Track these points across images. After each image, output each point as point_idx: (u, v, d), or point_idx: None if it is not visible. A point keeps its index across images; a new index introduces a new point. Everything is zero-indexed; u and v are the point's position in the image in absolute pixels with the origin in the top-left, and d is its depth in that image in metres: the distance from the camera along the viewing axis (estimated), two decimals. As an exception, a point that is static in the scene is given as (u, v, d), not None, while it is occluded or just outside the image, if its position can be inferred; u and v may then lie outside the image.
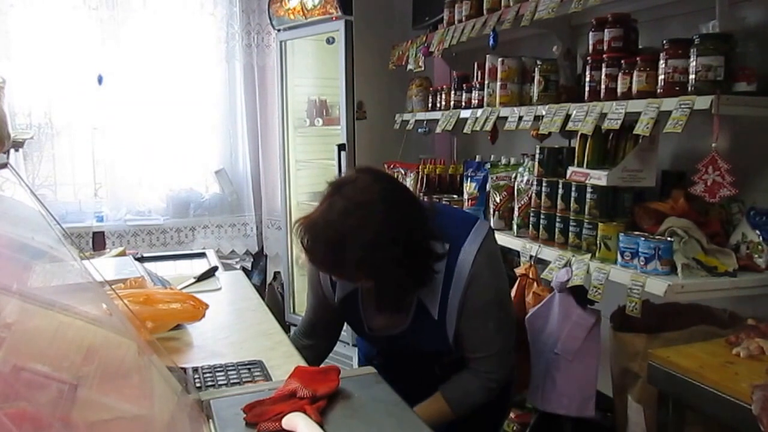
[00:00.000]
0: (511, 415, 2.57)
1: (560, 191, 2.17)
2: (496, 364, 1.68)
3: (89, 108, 3.89)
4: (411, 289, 1.58)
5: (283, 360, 1.55)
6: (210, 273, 2.37)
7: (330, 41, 3.67)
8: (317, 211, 1.47)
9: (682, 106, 1.71)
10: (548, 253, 2.21)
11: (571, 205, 2.11)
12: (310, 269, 1.81)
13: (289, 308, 4.19)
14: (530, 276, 2.27)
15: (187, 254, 2.96)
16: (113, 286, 1.60)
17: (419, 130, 3.35)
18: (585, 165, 2.09)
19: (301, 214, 1.55)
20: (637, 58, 1.93)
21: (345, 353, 3.57)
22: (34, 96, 3.80)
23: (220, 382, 1.37)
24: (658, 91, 1.85)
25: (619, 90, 1.99)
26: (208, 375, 1.41)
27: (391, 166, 3.31)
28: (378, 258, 1.43)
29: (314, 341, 1.85)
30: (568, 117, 2.13)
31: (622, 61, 1.99)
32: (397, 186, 1.58)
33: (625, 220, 1.99)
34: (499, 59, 2.57)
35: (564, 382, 2.09)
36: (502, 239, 2.51)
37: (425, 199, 1.83)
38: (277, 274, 4.41)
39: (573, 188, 2.11)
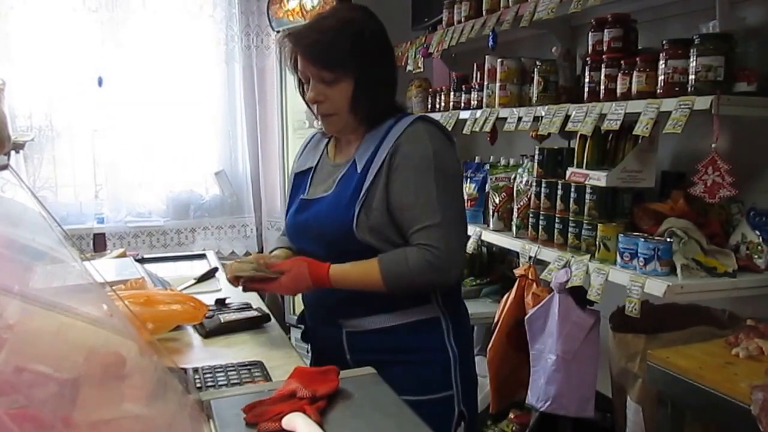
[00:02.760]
0: (511, 415, 2.57)
1: (559, 192, 2.18)
2: (437, 236, 1.46)
3: (89, 110, 3.89)
4: (381, 103, 1.56)
5: (283, 360, 1.55)
6: (210, 274, 2.38)
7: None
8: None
9: (682, 107, 1.71)
10: (547, 253, 2.21)
11: (571, 205, 2.11)
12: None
13: (289, 309, 4.19)
14: (529, 277, 2.28)
15: (188, 255, 2.96)
16: (114, 287, 1.60)
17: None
18: (584, 166, 2.10)
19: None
20: (637, 59, 1.93)
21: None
22: (34, 98, 3.80)
23: (220, 383, 1.37)
24: (658, 91, 1.85)
25: (618, 90, 1.99)
26: (208, 375, 1.41)
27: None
28: (367, 53, 1.51)
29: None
30: (567, 118, 2.13)
31: (622, 62, 1.99)
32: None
33: (624, 221, 1.99)
34: (499, 60, 2.57)
35: (563, 382, 2.09)
36: (502, 240, 2.52)
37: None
38: (276, 275, 4.40)
39: (572, 189, 2.11)
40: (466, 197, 2.74)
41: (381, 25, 1.58)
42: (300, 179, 1.72)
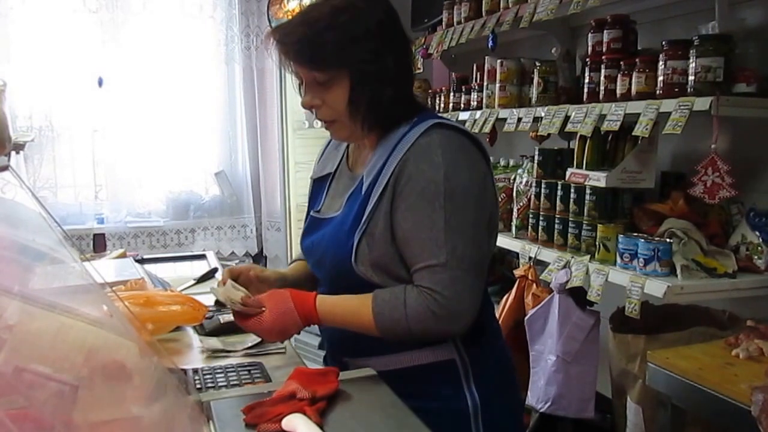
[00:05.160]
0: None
1: (559, 193, 2.18)
2: (442, 279, 1.23)
3: (89, 110, 3.90)
4: (386, 104, 1.31)
5: (283, 361, 1.55)
6: (210, 275, 2.37)
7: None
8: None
9: (682, 108, 1.71)
10: (547, 254, 2.21)
11: (570, 206, 2.12)
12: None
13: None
14: (529, 277, 2.28)
15: (187, 256, 2.96)
16: (114, 288, 1.60)
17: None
18: (584, 166, 2.10)
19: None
20: (637, 60, 1.93)
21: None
22: (34, 98, 3.81)
23: (220, 384, 1.37)
24: (658, 92, 1.85)
25: (618, 91, 1.99)
26: (208, 376, 1.41)
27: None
28: (364, 44, 1.27)
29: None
30: (567, 118, 2.13)
31: (621, 63, 1.99)
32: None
33: (624, 222, 1.99)
34: (498, 61, 2.57)
35: (563, 383, 2.09)
36: (502, 241, 2.51)
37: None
38: (276, 276, 4.40)
39: (572, 190, 2.11)
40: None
41: (386, 8, 1.34)
42: (318, 187, 1.51)
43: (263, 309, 1.30)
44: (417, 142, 1.27)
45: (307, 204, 1.55)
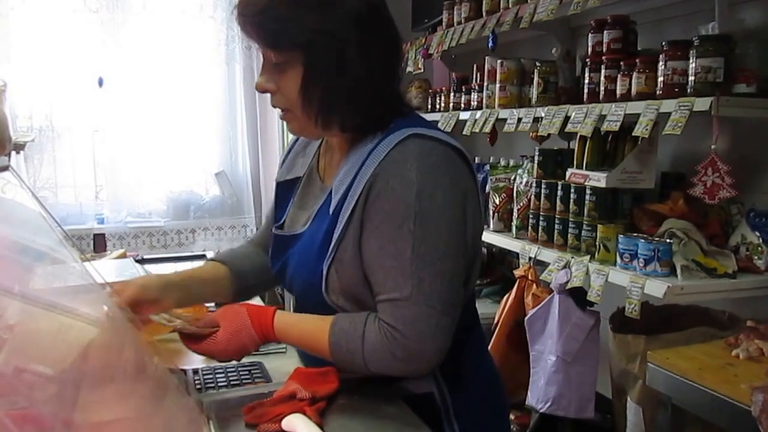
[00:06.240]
0: (510, 416, 2.57)
1: (559, 193, 2.18)
2: (404, 316, 1.08)
3: (90, 110, 3.90)
4: (345, 102, 1.15)
5: (283, 361, 1.55)
6: (210, 275, 2.37)
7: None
8: None
9: (682, 108, 1.71)
10: (547, 254, 2.21)
11: (570, 206, 2.12)
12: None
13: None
14: (529, 278, 2.28)
15: (188, 256, 2.96)
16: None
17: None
18: (584, 167, 2.10)
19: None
20: (637, 60, 1.93)
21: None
22: (35, 99, 3.81)
23: (220, 384, 1.37)
24: (658, 92, 1.85)
25: (618, 91, 1.99)
26: (208, 376, 1.41)
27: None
28: (322, 28, 1.10)
29: (257, 249, 1.51)
30: (567, 119, 2.13)
31: (621, 63, 1.99)
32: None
33: (624, 222, 1.99)
34: (498, 61, 2.57)
35: (563, 383, 2.09)
36: (502, 241, 2.52)
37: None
38: (277, 276, 4.40)
39: (572, 190, 2.11)
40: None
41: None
42: (284, 192, 1.36)
43: (216, 328, 1.20)
44: (390, 154, 1.11)
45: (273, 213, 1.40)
